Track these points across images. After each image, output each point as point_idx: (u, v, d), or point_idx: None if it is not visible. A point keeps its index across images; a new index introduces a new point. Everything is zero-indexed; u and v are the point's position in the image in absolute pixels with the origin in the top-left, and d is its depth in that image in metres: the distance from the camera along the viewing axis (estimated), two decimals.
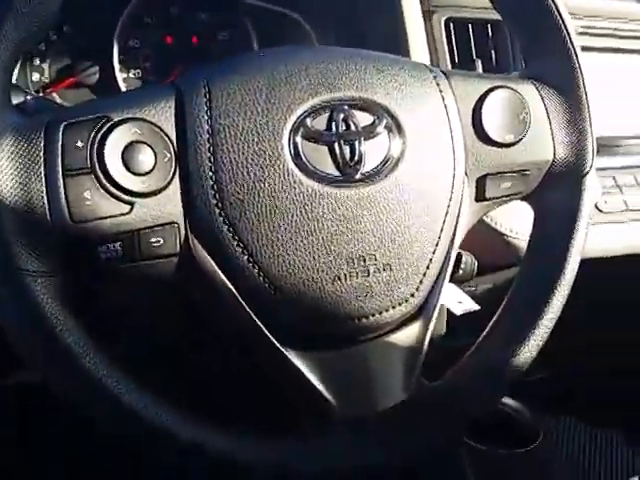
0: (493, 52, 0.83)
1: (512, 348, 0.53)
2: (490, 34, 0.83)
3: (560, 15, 0.54)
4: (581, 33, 0.86)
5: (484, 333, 0.55)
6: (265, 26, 0.85)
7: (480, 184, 0.52)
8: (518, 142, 0.52)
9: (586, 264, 0.85)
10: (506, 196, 0.54)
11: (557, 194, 0.56)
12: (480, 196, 0.52)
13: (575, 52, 0.55)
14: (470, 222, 0.53)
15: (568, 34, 0.54)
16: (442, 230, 0.49)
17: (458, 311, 0.67)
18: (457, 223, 0.51)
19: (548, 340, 0.56)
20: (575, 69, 0.54)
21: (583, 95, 0.55)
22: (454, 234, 0.51)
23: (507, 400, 1.02)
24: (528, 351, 0.54)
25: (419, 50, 0.79)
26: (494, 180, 0.52)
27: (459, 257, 0.58)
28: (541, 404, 1.01)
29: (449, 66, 0.80)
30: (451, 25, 0.81)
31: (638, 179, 0.89)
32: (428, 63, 0.79)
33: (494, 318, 0.56)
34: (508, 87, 0.52)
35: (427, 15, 0.80)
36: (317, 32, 0.87)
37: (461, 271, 0.60)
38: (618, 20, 0.89)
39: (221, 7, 0.84)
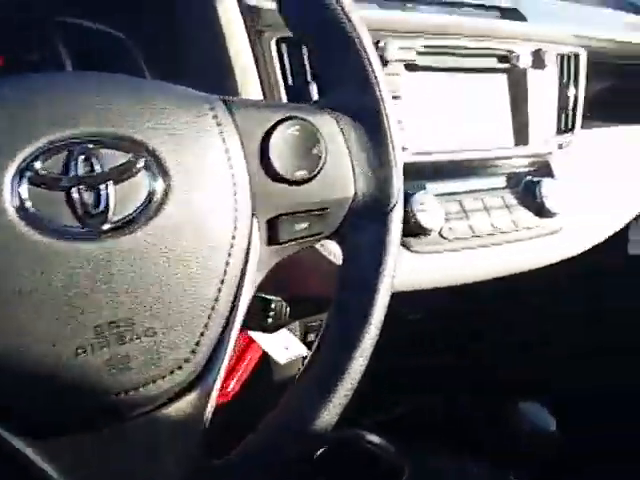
0: None
1: (317, 403, 0.48)
2: None
3: (360, 42, 0.50)
4: (422, 53, 0.83)
5: (288, 391, 0.49)
6: (82, 46, 0.78)
7: (272, 226, 0.47)
8: (313, 178, 0.47)
9: (434, 294, 0.82)
10: (304, 237, 0.49)
11: (361, 232, 0.51)
12: (273, 239, 0.47)
13: (376, 80, 0.50)
14: (263, 269, 0.47)
15: (369, 61, 0.50)
16: (223, 282, 0.43)
17: (282, 359, 0.62)
18: (244, 272, 0.45)
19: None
20: (376, 99, 0.50)
21: (385, 126, 0.50)
22: (240, 284, 0.45)
23: (371, 437, 0.97)
24: (335, 405, 0.48)
25: (247, 74, 0.73)
26: (288, 221, 0.47)
27: (267, 304, 0.52)
28: (406, 439, 0.97)
29: (282, 92, 0.75)
30: (283, 46, 0.76)
31: (486, 203, 0.87)
32: (259, 89, 0.74)
33: (300, 371, 0.50)
34: (300, 118, 0.47)
35: (256, 35, 0.75)
36: (143, 52, 0.80)
37: (270, 319, 0.54)
38: (455, 37, 0.86)
39: (29, 24, 0.76)
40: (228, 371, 0.47)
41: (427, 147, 0.83)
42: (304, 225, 0.48)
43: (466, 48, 0.88)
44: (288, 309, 0.54)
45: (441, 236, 0.82)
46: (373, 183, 0.50)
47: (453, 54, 0.86)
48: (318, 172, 0.47)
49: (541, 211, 0.90)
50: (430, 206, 0.79)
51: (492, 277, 0.86)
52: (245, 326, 0.50)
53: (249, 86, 0.72)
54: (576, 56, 1.04)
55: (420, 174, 0.83)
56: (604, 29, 1.12)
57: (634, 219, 1.12)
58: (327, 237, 0.51)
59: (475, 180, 0.88)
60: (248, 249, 0.45)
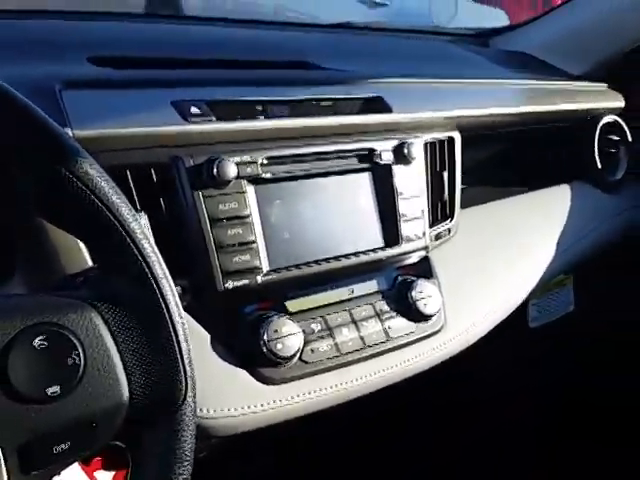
0: None
1: None
2: None
3: (128, 230, 0.45)
4: (268, 164, 0.77)
5: None
6: None
7: (25, 452, 0.40)
8: (70, 392, 0.41)
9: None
10: (67, 457, 0.42)
11: (146, 437, 0.45)
12: (27, 466, 0.40)
13: (151, 270, 0.45)
14: None
15: (139, 250, 0.45)
16: None
17: None
18: None
19: None
20: (151, 288, 0.45)
21: (165, 315, 0.45)
22: None
23: None
24: None
25: None
26: (47, 444, 0.41)
27: None
28: None
29: None
30: None
31: (353, 314, 0.82)
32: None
33: None
34: (47, 323, 0.41)
35: None
36: None
37: None
38: (306, 141, 0.82)
39: None
40: None
41: (285, 262, 0.78)
42: (65, 445, 0.41)
43: (318, 153, 0.82)
44: None
45: (302, 361, 0.76)
46: (154, 381, 0.44)
47: (305, 160, 0.81)
48: (77, 383, 0.41)
49: (415, 315, 0.85)
50: (286, 330, 0.74)
51: (364, 393, 0.80)
52: None
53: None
54: (449, 140, 1.00)
55: (277, 293, 0.78)
56: (480, 105, 1.08)
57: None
58: (111, 448, 0.45)
59: (343, 289, 0.83)
60: None
